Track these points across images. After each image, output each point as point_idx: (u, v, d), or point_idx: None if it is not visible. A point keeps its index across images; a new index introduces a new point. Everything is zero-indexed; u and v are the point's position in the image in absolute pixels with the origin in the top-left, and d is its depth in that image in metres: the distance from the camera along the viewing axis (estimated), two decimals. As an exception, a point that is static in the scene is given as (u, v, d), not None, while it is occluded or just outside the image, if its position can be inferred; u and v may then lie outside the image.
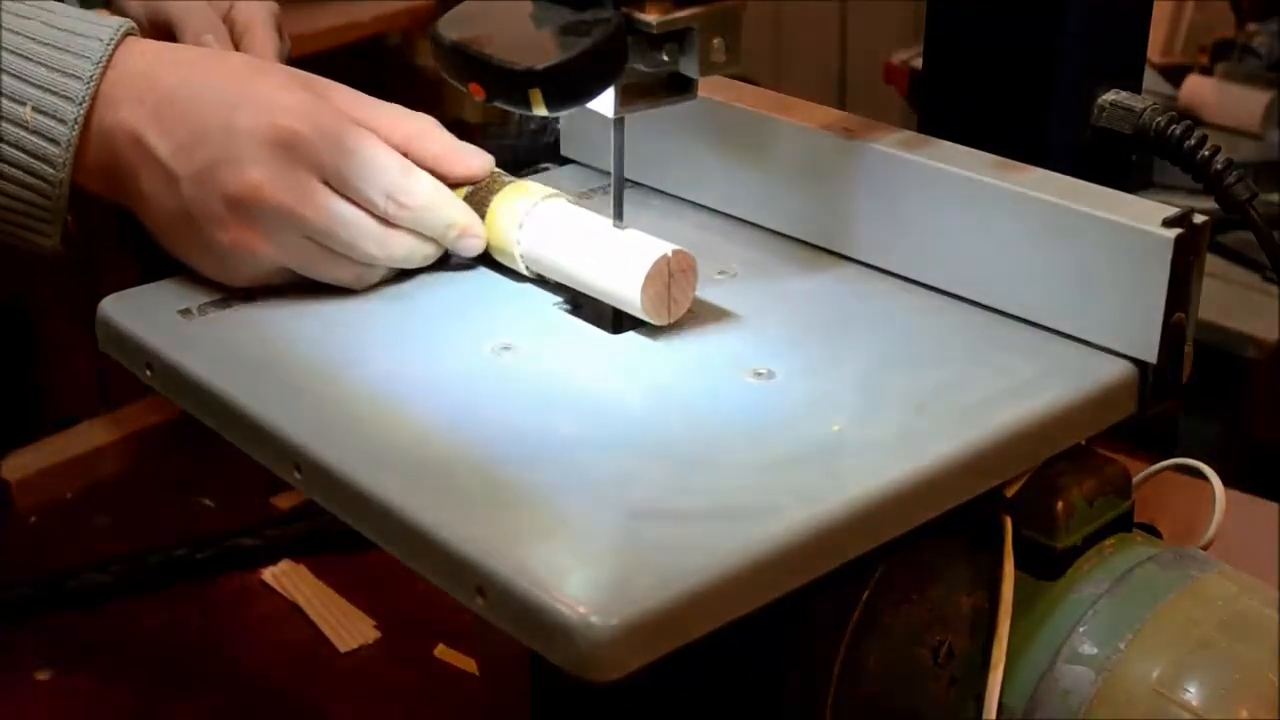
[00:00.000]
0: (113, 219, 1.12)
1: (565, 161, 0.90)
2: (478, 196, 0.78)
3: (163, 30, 0.89)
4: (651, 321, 0.72)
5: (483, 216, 0.77)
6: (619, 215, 0.74)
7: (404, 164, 0.76)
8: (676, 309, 0.72)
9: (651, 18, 0.66)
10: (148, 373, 0.73)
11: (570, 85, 0.65)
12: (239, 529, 1.07)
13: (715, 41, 0.68)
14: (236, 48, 0.88)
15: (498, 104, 0.66)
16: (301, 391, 0.68)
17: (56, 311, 1.42)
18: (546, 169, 0.84)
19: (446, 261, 0.78)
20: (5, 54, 0.73)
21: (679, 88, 0.71)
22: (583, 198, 0.84)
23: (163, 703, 0.95)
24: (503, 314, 0.75)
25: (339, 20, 1.89)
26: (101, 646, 0.99)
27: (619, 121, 0.72)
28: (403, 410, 0.67)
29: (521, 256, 0.76)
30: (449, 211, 0.76)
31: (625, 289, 0.71)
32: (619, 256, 0.72)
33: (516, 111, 0.66)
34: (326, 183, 0.73)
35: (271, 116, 0.73)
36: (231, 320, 0.74)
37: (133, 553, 1.04)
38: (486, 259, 0.78)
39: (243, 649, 0.99)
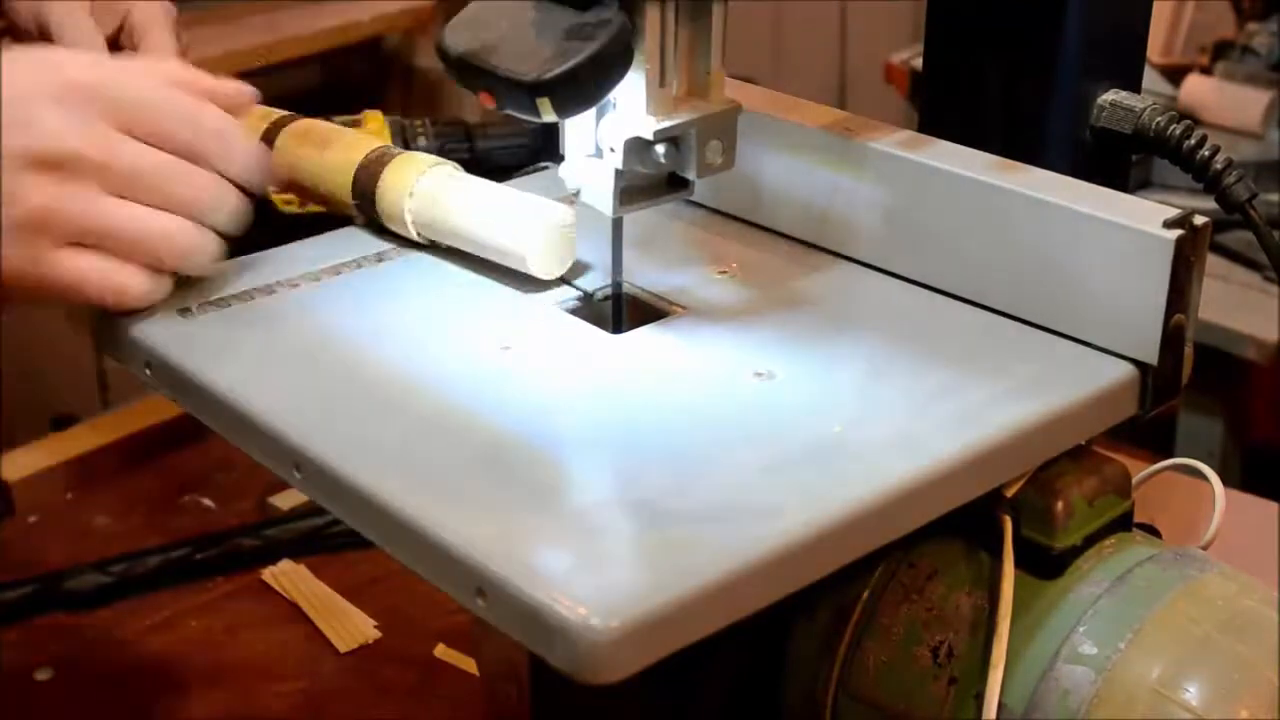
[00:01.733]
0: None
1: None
2: (370, 169, 0.80)
3: (46, 35, 0.87)
4: (541, 277, 0.75)
5: (374, 189, 0.80)
6: (617, 320, 0.75)
7: (193, 98, 0.73)
8: (561, 265, 0.76)
9: (648, 127, 0.68)
10: (148, 373, 0.73)
11: (578, 91, 0.65)
12: (239, 529, 1.07)
13: (712, 144, 0.70)
14: (134, 50, 0.87)
15: (508, 112, 0.67)
16: (301, 391, 0.68)
17: (56, 311, 1.42)
18: (546, 168, 0.84)
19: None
20: None
21: (677, 185, 0.73)
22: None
23: (162, 703, 0.95)
24: (503, 314, 0.75)
25: (339, 20, 1.89)
26: (101, 646, 0.99)
27: (617, 222, 0.73)
28: (403, 410, 0.67)
29: (413, 224, 0.79)
30: (251, 142, 0.75)
31: (514, 246, 0.75)
32: (507, 216, 0.76)
33: (526, 119, 0.66)
34: (121, 129, 0.71)
35: (57, 72, 0.71)
36: (231, 320, 0.74)
37: (133, 553, 1.04)
38: (378, 227, 0.81)
39: (243, 649, 0.99)
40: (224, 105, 0.75)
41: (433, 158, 0.80)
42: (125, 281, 0.71)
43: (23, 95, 0.69)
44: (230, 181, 0.73)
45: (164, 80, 0.74)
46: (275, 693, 0.95)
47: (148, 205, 0.71)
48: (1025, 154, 0.75)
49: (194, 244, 0.72)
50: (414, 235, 0.79)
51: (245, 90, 0.77)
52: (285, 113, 0.84)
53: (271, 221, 0.86)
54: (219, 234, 0.73)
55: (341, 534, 1.04)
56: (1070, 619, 0.65)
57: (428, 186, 0.79)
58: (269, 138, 0.83)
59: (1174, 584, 0.66)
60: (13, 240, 0.69)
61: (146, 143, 0.71)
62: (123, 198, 0.70)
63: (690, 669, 0.67)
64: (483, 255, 0.77)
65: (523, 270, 0.76)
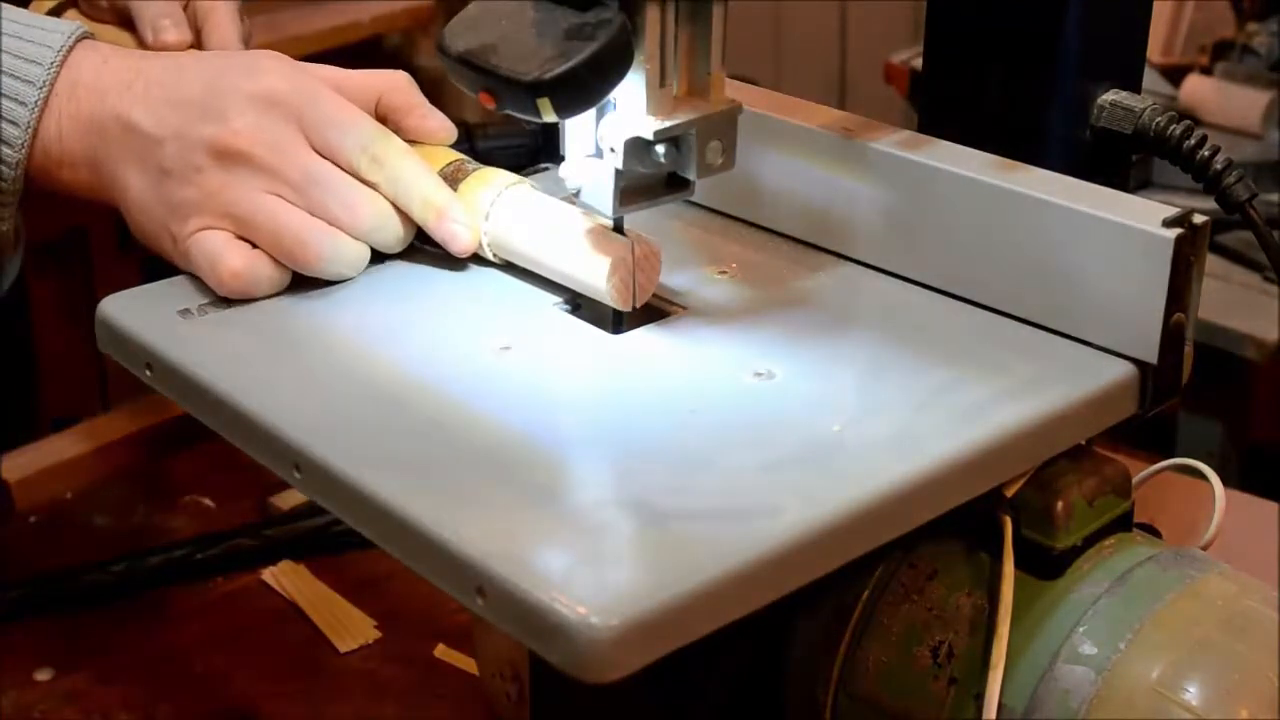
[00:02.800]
0: (112, 221, 1.12)
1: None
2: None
3: (124, 19, 0.91)
4: (617, 308, 0.73)
5: None
6: (617, 320, 0.74)
7: (381, 127, 0.78)
8: (642, 295, 0.73)
9: (648, 127, 0.68)
10: (148, 373, 0.73)
11: (578, 91, 0.65)
12: (239, 529, 1.07)
13: (712, 144, 0.70)
14: (197, 34, 0.90)
15: (508, 112, 0.67)
16: (301, 391, 0.68)
17: (56, 311, 1.42)
18: (546, 169, 0.84)
19: (431, 252, 0.79)
20: None
21: (677, 185, 0.72)
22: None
23: (162, 703, 0.95)
24: (503, 314, 0.75)
25: (339, 20, 1.89)
26: (101, 646, 0.99)
27: (617, 222, 0.73)
28: (403, 410, 0.67)
29: (489, 245, 0.77)
30: (425, 182, 0.77)
31: (591, 277, 0.72)
32: (585, 245, 0.73)
33: (526, 119, 0.66)
34: (306, 140, 0.76)
35: (254, 76, 0.76)
36: (232, 320, 0.74)
37: (133, 553, 1.04)
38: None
39: (243, 649, 0.99)
40: (417, 133, 0.80)
41: (508, 176, 0.79)
42: (241, 268, 0.75)
43: (219, 89, 0.76)
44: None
45: (370, 91, 0.80)
46: (275, 693, 0.95)
47: (304, 210, 0.75)
48: (1025, 154, 0.75)
49: (329, 253, 0.75)
50: (490, 257, 0.78)
51: (447, 128, 0.81)
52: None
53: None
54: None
55: (341, 534, 1.04)
56: (1070, 619, 0.65)
57: (504, 210, 0.77)
58: None
59: (1174, 584, 0.66)
60: (167, 213, 0.76)
61: (324, 155, 0.76)
62: (283, 199, 0.75)
63: (690, 669, 0.67)
64: (563, 283, 0.75)
65: (604, 301, 0.73)
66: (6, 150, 0.77)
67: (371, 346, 0.72)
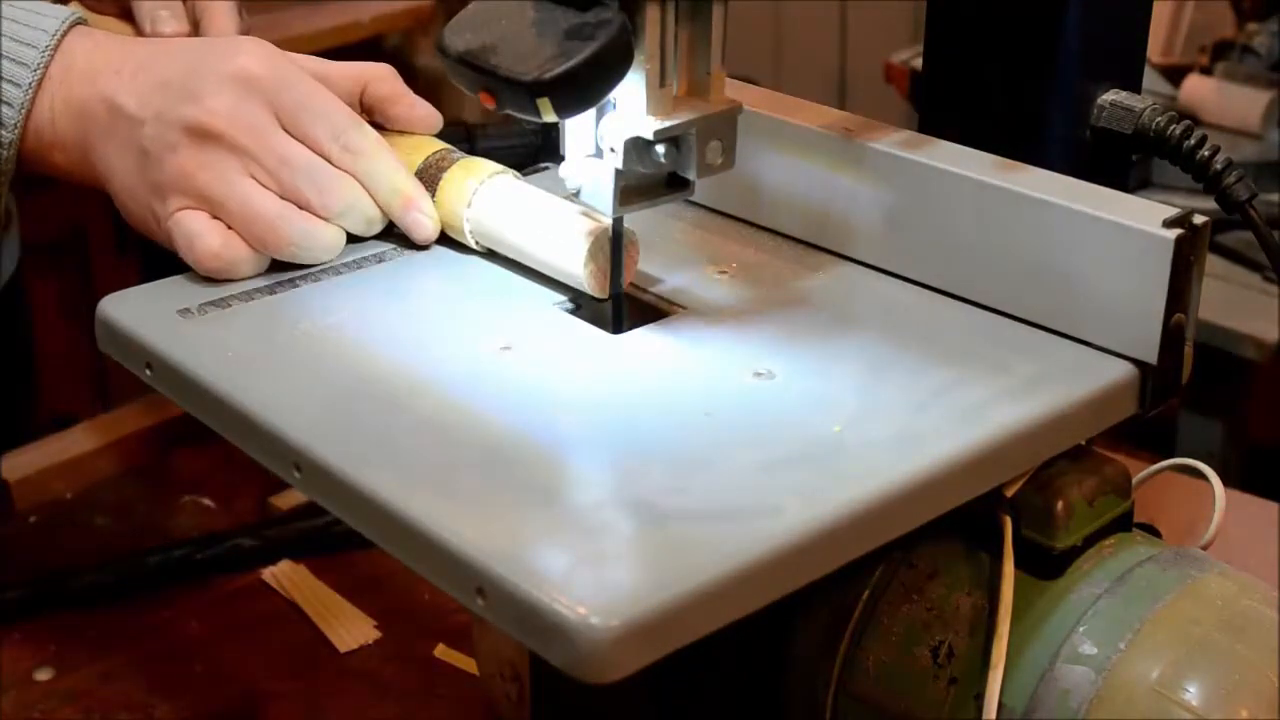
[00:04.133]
0: (111, 220, 1.12)
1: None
2: (429, 174, 0.80)
3: (124, 9, 0.93)
4: (594, 295, 0.74)
5: (434, 192, 0.80)
6: (617, 320, 0.74)
7: (354, 115, 0.79)
8: (618, 282, 0.74)
9: (648, 127, 0.68)
10: (148, 373, 0.73)
11: (578, 91, 0.65)
12: (239, 529, 1.07)
13: (712, 144, 0.70)
14: (196, 26, 0.91)
15: (508, 112, 0.67)
16: (302, 391, 0.68)
17: (56, 312, 1.42)
18: (546, 168, 0.84)
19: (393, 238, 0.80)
20: None
21: (677, 185, 0.72)
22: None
23: (163, 703, 0.95)
24: (503, 314, 0.75)
25: (339, 20, 1.89)
26: (101, 646, 0.99)
27: (618, 221, 0.73)
28: (403, 410, 0.67)
29: (471, 233, 0.79)
30: (394, 172, 0.79)
31: (569, 264, 0.74)
32: (562, 231, 0.74)
33: (526, 119, 0.66)
34: (280, 124, 0.77)
35: (233, 58, 0.77)
36: (232, 320, 0.74)
37: (133, 553, 1.04)
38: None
39: (243, 649, 0.99)
40: (404, 122, 0.82)
41: (491, 165, 0.80)
42: (219, 249, 0.76)
43: (199, 71, 0.77)
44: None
45: (353, 82, 0.81)
46: (275, 693, 0.95)
47: (277, 193, 0.76)
48: (1025, 154, 0.75)
49: (300, 239, 0.77)
50: (472, 245, 0.79)
51: (433, 116, 0.83)
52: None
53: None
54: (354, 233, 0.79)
55: (341, 534, 1.04)
56: (1070, 619, 0.65)
57: (486, 198, 0.78)
58: None
59: (1174, 584, 0.66)
60: (149, 192, 0.78)
61: (297, 139, 0.77)
62: (256, 181, 0.76)
63: (690, 669, 0.67)
64: (542, 270, 0.77)
65: (580, 288, 0.75)
66: (1, 131, 0.78)
67: (371, 346, 0.72)
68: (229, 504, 1.13)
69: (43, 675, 0.96)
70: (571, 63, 0.64)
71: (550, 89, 0.64)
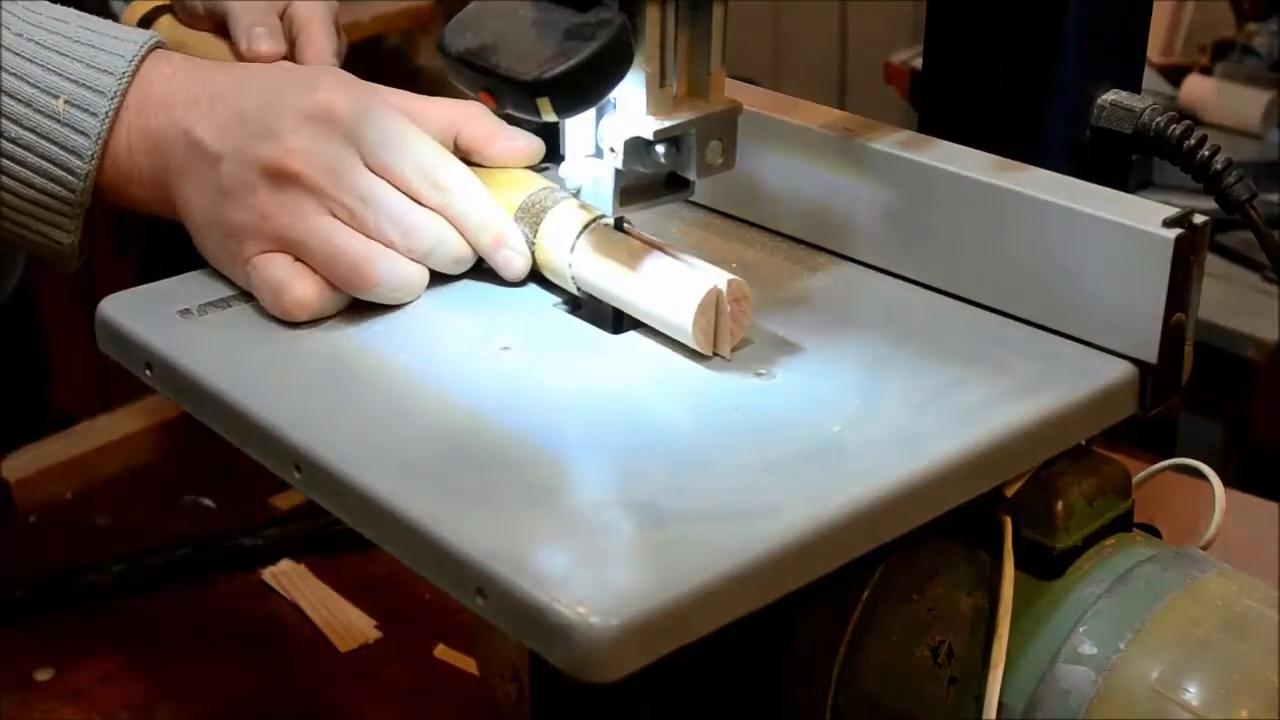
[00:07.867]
0: (111, 221, 1.12)
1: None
2: (531, 213, 0.76)
3: (220, 26, 0.90)
4: (705, 353, 0.70)
5: (534, 232, 0.75)
6: (617, 320, 0.73)
7: (440, 148, 0.76)
8: (732, 340, 0.70)
9: (648, 127, 0.68)
10: (148, 373, 0.73)
11: (578, 91, 0.65)
12: (239, 529, 1.07)
13: (712, 144, 0.69)
14: (292, 44, 0.88)
15: (508, 112, 0.67)
16: (301, 391, 0.68)
17: (56, 312, 1.42)
18: (547, 168, 0.84)
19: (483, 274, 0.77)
20: (42, 49, 0.75)
21: (677, 185, 0.72)
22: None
23: (163, 703, 0.95)
24: (503, 314, 0.75)
25: (339, 20, 1.89)
26: (101, 646, 0.99)
27: (619, 221, 0.73)
28: (403, 410, 0.67)
29: (574, 278, 0.74)
30: (484, 208, 0.75)
31: (676, 318, 0.70)
32: (671, 285, 0.70)
33: (526, 119, 0.66)
34: (363, 160, 0.73)
35: (312, 92, 0.74)
36: (231, 320, 0.74)
37: (133, 553, 1.04)
38: (539, 276, 0.77)
39: (243, 649, 0.99)
40: (504, 159, 0.77)
41: (592, 210, 0.75)
42: (301, 295, 0.73)
43: (275, 106, 0.73)
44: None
45: (446, 120, 0.77)
46: (275, 693, 0.95)
47: (360, 232, 0.73)
48: (1025, 154, 0.75)
49: (386, 278, 0.73)
50: (574, 291, 0.75)
51: (531, 146, 0.78)
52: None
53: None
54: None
55: (341, 534, 1.04)
56: (1070, 619, 0.65)
57: (587, 245, 0.73)
58: None
59: (1174, 584, 0.66)
60: (225, 234, 0.74)
61: (381, 175, 0.73)
62: (339, 219, 0.73)
63: (690, 669, 0.67)
64: (647, 322, 0.72)
65: (687, 343, 0.70)
66: (75, 161, 0.75)
67: (372, 346, 0.72)
68: (229, 504, 1.13)
69: (43, 675, 0.97)
70: (571, 63, 0.64)
71: (550, 89, 0.64)
